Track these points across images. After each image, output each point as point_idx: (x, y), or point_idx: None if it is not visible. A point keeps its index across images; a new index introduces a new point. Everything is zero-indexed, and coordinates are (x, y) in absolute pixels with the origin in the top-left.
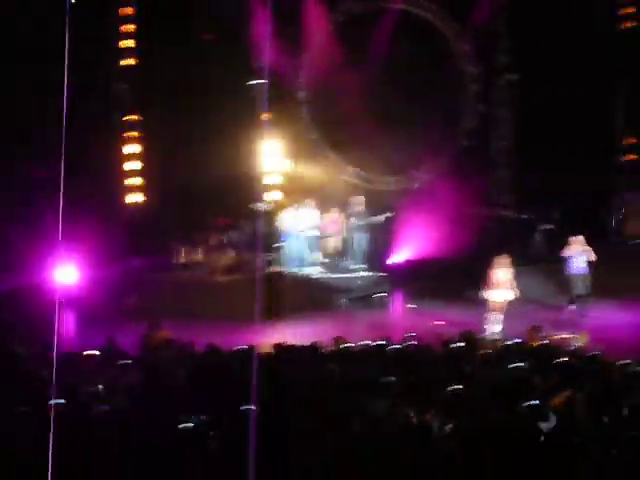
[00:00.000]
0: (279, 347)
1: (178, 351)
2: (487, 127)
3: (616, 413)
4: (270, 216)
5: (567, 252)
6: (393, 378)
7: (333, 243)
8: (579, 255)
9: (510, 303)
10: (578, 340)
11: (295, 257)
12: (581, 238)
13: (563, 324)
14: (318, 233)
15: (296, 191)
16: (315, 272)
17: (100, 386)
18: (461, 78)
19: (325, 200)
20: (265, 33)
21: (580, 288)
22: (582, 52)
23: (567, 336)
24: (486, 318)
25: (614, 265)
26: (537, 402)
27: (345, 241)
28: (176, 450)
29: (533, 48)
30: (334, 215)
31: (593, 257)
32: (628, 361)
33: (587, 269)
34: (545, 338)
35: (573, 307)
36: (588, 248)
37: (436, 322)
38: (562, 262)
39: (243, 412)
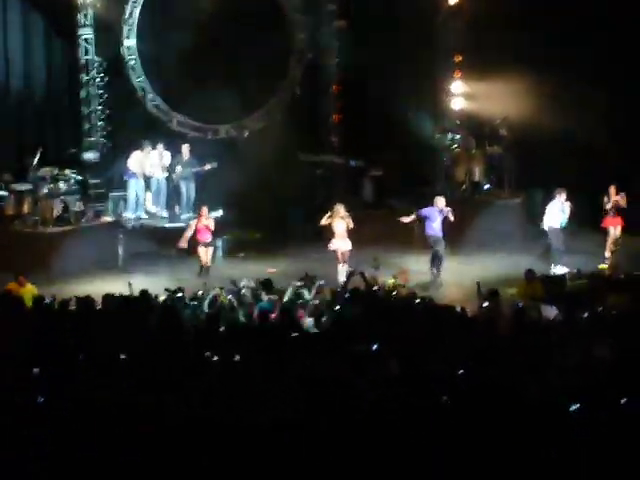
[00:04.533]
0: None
1: None
2: (316, 75)
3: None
4: (99, 165)
5: (425, 212)
6: None
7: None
8: (437, 217)
9: (349, 251)
10: (399, 283)
11: (135, 201)
12: (442, 199)
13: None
14: (166, 177)
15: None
16: (152, 219)
17: None
18: (289, 27)
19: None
20: None
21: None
22: None
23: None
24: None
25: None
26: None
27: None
28: None
29: None
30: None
31: (452, 218)
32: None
33: (441, 232)
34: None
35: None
36: (448, 209)
37: (269, 270)
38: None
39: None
